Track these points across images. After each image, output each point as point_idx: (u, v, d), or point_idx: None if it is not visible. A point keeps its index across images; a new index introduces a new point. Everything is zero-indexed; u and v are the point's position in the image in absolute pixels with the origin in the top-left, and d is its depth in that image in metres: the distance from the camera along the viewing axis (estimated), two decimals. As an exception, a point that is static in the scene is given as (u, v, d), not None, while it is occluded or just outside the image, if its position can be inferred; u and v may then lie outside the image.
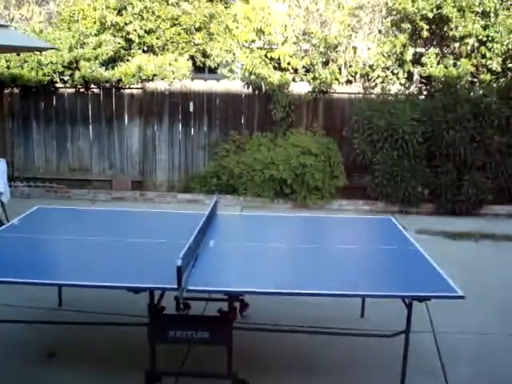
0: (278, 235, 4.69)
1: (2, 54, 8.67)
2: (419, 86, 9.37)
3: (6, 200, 6.58)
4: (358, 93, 9.12)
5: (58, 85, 9.32)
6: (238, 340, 3.54)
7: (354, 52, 9.29)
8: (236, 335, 3.52)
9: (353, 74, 9.25)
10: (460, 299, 3.27)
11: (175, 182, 9.48)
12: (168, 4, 9.84)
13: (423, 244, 4.26)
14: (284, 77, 9.05)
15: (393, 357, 3.71)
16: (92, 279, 3.46)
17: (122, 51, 9.58)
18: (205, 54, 9.88)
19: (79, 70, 9.06)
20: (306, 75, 9.20)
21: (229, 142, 9.14)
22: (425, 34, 8.75)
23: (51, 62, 8.97)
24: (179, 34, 9.81)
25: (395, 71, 9.08)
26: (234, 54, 9.41)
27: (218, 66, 9.68)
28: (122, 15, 9.64)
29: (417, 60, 9.10)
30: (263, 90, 9.11)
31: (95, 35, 9.44)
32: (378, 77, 9.07)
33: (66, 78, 9.21)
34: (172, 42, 9.81)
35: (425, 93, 9.18)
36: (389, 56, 8.97)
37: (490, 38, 8.53)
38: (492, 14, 8.48)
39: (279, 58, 9.14)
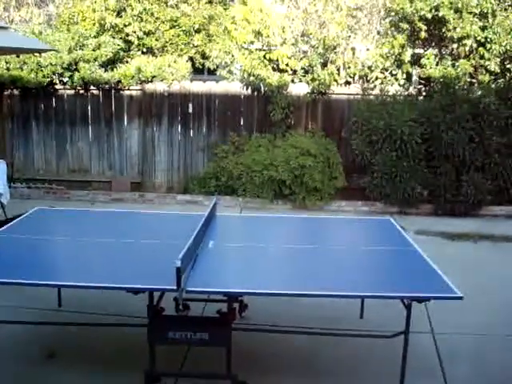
0: (277, 236, 4.69)
1: (1, 55, 8.68)
2: (418, 86, 9.38)
3: (5, 201, 6.60)
4: (357, 94, 9.13)
5: (57, 86, 9.34)
6: (238, 341, 3.54)
7: (353, 53, 9.31)
8: (235, 336, 3.52)
9: (351, 75, 9.26)
10: (459, 300, 3.27)
11: (174, 183, 9.48)
12: (167, 6, 9.88)
13: (422, 245, 4.27)
14: (283, 78, 9.06)
15: (392, 357, 3.72)
16: (91, 280, 3.47)
17: (122, 53, 9.60)
18: (204, 56, 9.89)
19: (79, 72, 9.07)
20: (304, 76, 9.21)
21: (228, 143, 9.16)
22: (423, 34, 8.76)
23: (51, 64, 8.99)
24: (178, 36, 9.83)
25: (394, 72, 9.09)
26: (232, 56, 9.40)
27: (217, 67, 9.68)
28: (121, 17, 9.67)
29: (415, 61, 9.11)
30: (262, 91, 9.12)
31: (94, 37, 9.47)
32: (377, 78, 9.09)
33: (65, 80, 9.23)
34: (171, 44, 9.83)
35: (423, 94, 9.18)
36: (387, 57, 8.99)
37: (488, 39, 8.54)
38: (490, 16, 8.51)
39: (278, 60, 9.15)
